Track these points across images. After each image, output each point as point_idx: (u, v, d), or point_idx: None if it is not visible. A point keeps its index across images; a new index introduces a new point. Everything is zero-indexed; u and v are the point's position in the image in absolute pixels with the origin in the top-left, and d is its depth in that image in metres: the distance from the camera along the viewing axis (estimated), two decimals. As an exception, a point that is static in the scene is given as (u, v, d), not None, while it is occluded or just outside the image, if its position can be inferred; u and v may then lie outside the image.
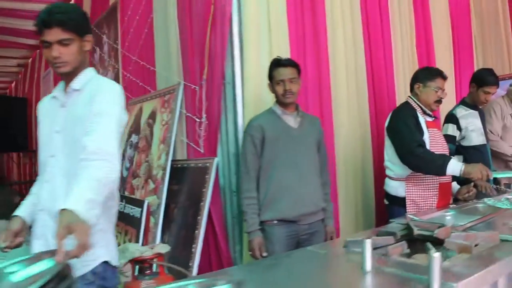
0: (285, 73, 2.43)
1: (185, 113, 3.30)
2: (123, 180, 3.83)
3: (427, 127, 2.66)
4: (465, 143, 3.27)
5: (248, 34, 2.87)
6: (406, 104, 2.77)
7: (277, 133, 2.43)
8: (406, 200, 2.62)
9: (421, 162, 2.49)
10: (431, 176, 2.59)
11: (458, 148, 3.29)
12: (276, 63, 2.49)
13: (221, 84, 2.90)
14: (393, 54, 3.74)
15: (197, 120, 3.09)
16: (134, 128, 3.98)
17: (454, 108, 3.43)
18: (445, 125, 3.33)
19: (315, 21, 3.21)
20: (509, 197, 2.50)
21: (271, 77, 2.51)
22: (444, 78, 2.73)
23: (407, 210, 2.57)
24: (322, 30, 3.22)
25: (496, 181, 3.09)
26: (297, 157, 2.44)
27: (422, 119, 2.67)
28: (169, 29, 3.59)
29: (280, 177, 2.40)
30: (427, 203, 2.59)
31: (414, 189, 2.61)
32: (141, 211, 3.17)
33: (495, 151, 3.52)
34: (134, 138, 3.92)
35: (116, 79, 4.76)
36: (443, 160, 2.44)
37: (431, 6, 4.24)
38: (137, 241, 3.09)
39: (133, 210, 3.33)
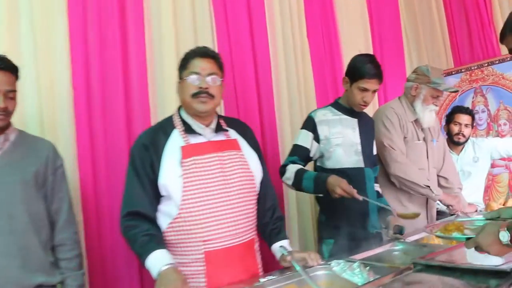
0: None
1: None
2: None
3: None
4: (327, 163, 2.19)
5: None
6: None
7: None
8: None
9: None
10: None
11: (316, 169, 2.27)
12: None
13: None
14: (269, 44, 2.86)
15: None
16: None
17: (315, 110, 2.34)
18: (299, 131, 2.27)
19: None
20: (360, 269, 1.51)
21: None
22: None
23: None
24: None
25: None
26: None
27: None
28: None
29: None
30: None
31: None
32: None
33: (401, 179, 2.37)
34: None
35: None
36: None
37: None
38: None
39: None
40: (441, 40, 4.14)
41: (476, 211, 2.55)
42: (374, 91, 2.15)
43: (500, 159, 3.35)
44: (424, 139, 2.52)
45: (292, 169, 2.12)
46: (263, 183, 1.80)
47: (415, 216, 2.11)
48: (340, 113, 2.22)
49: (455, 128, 2.96)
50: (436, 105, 2.49)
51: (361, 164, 2.18)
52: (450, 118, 3.00)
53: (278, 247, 1.70)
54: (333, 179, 1.95)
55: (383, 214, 2.12)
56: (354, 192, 1.90)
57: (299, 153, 2.17)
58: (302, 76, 3.07)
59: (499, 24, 3.72)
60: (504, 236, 1.17)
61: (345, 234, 2.07)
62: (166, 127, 1.70)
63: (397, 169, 2.38)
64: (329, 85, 3.22)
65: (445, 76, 4.01)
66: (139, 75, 2.32)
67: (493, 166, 3.65)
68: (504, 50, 3.71)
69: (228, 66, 2.69)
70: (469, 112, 2.96)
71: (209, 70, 1.64)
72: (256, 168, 1.77)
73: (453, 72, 3.99)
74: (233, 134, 1.79)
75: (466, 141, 2.99)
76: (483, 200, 3.10)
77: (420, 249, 1.80)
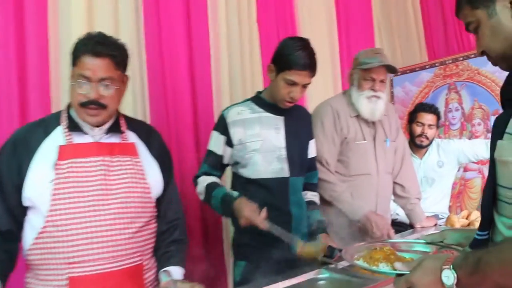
0: None
1: None
2: None
3: None
4: (243, 171, 1.79)
5: None
6: None
7: None
8: None
9: None
10: None
11: (232, 177, 1.91)
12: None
13: None
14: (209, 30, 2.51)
15: None
16: None
17: (230, 106, 1.91)
18: (211, 132, 1.89)
19: None
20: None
21: None
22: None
23: None
24: None
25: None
26: None
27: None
28: None
29: None
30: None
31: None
32: None
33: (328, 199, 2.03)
34: None
35: None
36: None
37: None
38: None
39: None
40: (415, 32, 3.80)
41: (436, 225, 2.22)
42: (305, 86, 1.74)
43: (474, 162, 3.03)
44: (374, 139, 2.14)
45: (203, 182, 1.78)
46: (164, 198, 1.50)
47: (317, 254, 1.63)
48: (261, 109, 1.83)
49: (417, 129, 2.61)
50: (375, 90, 2.04)
51: (285, 173, 1.80)
52: (412, 117, 2.66)
53: (161, 272, 1.39)
54: (238, 205, 1.60)
55: (316, 230, 1.80)
56: (259, 221, 1.56)
57: (211, 161, 1.82)
58: (248, 69, 2.72)
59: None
60: (448, 277, 0.81)
61: (260, 256, 1.70)
62: (49, 122, 1.40)
63: (324, 189, 2.05)
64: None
65: (418, 70, 3.72)
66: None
67: (465, 170, 3.34)
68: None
69: (156, 56, 2.35)
70: (434, 110, 2.61)
71: (101, 74, 1.30)
72: (155, 179, 1.47)
73: (427, 67, 3.66)
74: (132, 137, 1.48)
75: (430, 143, 2.65)
76: (449, 209, 2.79)
77: (347, 281, 1.48)
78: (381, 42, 3.87)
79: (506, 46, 0.92)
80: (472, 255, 0.79)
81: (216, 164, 1.81)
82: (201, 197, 1.79)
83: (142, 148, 1.48)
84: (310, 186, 1.96)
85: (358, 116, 2.11)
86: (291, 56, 1.69)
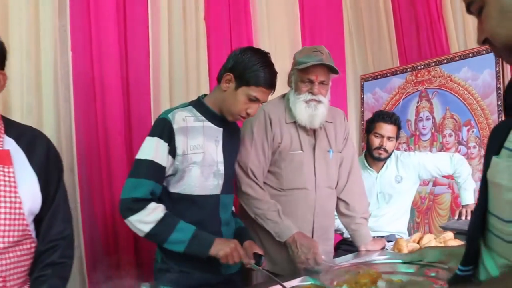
0: None
1: None
2: None
3: None
4: (172, 187, 1.55)
5: None
6: None
7: None
8: None
9: None
10: None
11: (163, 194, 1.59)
12: None
13: None
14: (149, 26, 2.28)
15: None
16: None
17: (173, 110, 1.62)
18: (148, 138, 1.58)
19: None
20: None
21: None
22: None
23: None
24: None
25: None
26: None
27: None
28: None
29: None
30: None
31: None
32: None
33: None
34: None
35: None
36: None
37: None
38: None
39: None
40: (387, 36, 3.56)
41: (383, 248, 1.98)
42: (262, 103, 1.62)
43: (444, 176, 2.80)
44: (314, 149, 1.90)
45: (156, 210, 1.47)
46: (47, 214, 1.30)
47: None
48: (203, 118, 1.61)
49: (375, 141, 2.37)
50: (314, 94, 1.81)
51: (218, 190, 1.60)
52: (370, 127, 2.42)
53: None
54: (220, 241, 1.50)
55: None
56: (246, 259, 1.49)
57: (158, 176, 1.50)
58: (194, 69, 2.50)
59: (449, 21, 3.17)
60: None
61: (187, 280, 1.56)
62: None
63: (248, 205, 1.83)
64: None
65: (389, 75, 3.50)
66: None
67: (435, 184, 3.11)
68: (454, 48, 3.18)
69: (87, 51, 2.13)
70: (394, 121, 2.37)
71: None
72: (29, 192, 1.25)
73: (398, 72, 3.44)
74: (9, 144, 1.27)
75: (389, 156, 2.42)
76: (413, 227, 2.56)
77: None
78: (351, 46, 3.67)
79: None
80: None
81: (161, 179, 1.53)
82: (145, 227, 1.46)
83: (19, 157, 1.27)
84: None
85: (296, 123, 1.88)
86: (259, 72, 1.54)
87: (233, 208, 1.82)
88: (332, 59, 1.87)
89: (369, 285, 1.06)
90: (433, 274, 1.11)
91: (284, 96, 1.97)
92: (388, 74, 3.51)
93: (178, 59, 2.43)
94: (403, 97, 3.38)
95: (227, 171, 1.63)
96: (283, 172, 1.86)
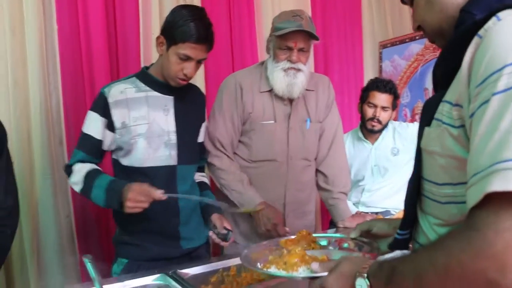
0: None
1: None
2: None
3: None
4: (124, 160, 1.57)
5: None
6: None
7: None
8: None
9: None
10: None
11: (113, 164, 1.66)
12: None
13: None
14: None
15: None
16: None
17: (111, 84, 1.63)
18: (88, 112, 1.62)
19: None
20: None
21: None
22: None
23: None
24: None
25: None
26: None
27: None
28: None
29: None
30: None
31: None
32: None
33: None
34: None
35: None
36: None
37: None
38: None
39: None
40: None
41: (364, 223, 1.89)
42: (200, 61, 1.53)
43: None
44: (289, 119, 1.82)
45: (80, 170, 1.54)
46: None
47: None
48: (147, 88, 1.59)
49: (368, 111, 2.23)
50: (293, 62, 1.72)
51: (173, 161, 1.59)
52: (364, 97, 2.28)
53: None
54: (128, 187, 1.41)
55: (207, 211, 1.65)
56: (156, 194, 1.40)
57: (89, 147, 1.56)
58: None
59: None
60: (361, 286, 0.75)
61: (143, 254, 1.58)
62: None
63: (215, 176, 1.82)
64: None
65: (408, 41, 3.26)
66: None
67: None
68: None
69: (74, 24, 2.17)
70: (390, 89, 2.21)
71: None
72: None
73: (417, 37, 3.20)
74: None
75: (384, 128, 2.27)
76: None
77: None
78: (370, 11, 3.44)
79: (442, 19, 0.80)
80: (387, 264, 0.73)
81: (93, 150, 1.57)
82: (77, 187, 1.55)
83: None
84: (198, 169, 1.75)
85: (271, 92, 1.80)
86: (184, 27, 1.45)
87: (207, 181, 1.81)
88: (313, 24, 1.77)
89: (299, 265, 1.01)
90: (345, 245, 1.11)
91: (262, 63, 1.90)
92: (407, 40, 3.27)
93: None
94: (421, 64, 3.15)
95: (182, 140, 1.60)
96: (253, 143, 1.82)
